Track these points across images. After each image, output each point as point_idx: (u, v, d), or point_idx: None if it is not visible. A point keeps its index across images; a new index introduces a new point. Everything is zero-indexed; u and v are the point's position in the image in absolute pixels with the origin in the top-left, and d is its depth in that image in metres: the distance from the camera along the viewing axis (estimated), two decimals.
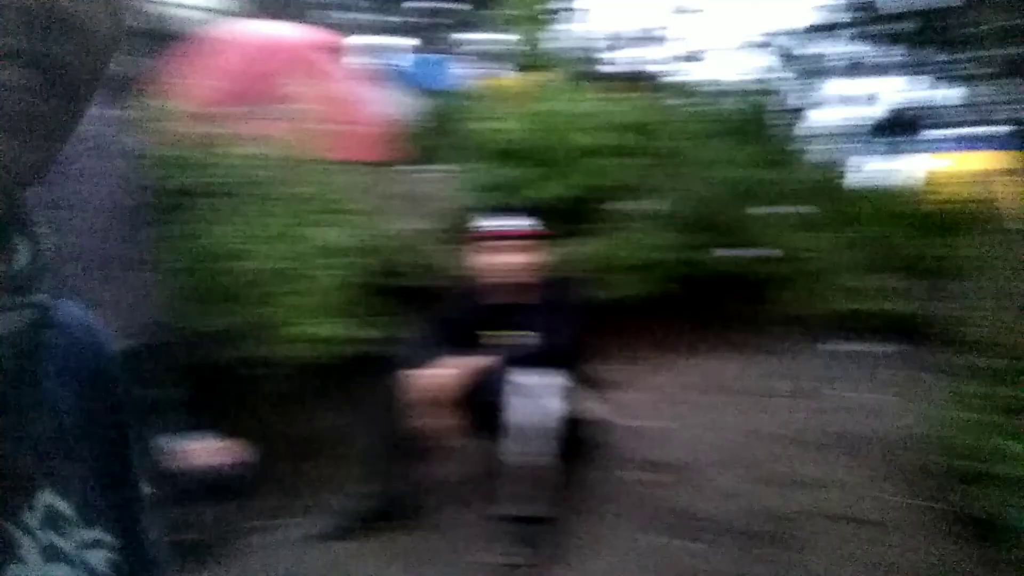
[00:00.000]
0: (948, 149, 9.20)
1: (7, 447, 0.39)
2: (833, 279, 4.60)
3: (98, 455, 0.47)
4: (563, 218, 4.99)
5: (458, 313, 3.13)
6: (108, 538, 0.45)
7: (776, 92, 5.94)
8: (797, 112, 5.59)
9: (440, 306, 3.26)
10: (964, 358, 3.43)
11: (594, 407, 3.09)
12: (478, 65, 9.10)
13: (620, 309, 4.48)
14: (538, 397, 2.72)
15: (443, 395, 2.76)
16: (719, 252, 4.64)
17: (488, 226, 3.14)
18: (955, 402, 2.97)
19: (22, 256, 0.38)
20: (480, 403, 2.77)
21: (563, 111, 4.90)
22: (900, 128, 8.52)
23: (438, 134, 6.58)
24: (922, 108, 9.61)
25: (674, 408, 3.93)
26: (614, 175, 5.07)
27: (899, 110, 9.39)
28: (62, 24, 0.33)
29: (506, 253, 3.06)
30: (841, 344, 4.43)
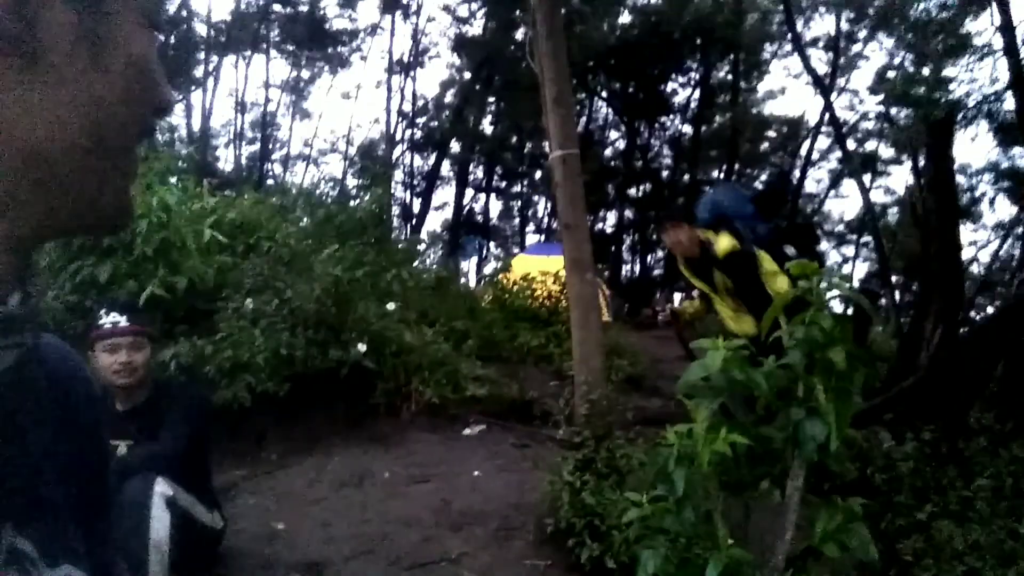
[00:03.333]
0: (531, 252, 10.82)
1: None
2: (446, 369, 5.08)
3: (70, 490, 0.46)
4: (177, 316, 4.60)
5: None
6: (76, 573, 0.44)
7: (387, 196, 6.44)
8: (408, 216, 6.14)
9: None
10: (563, 431, 4.12)
11: (215, 516, 2.91)
12: None
13: (247, 409, 4.29)
14: (147, 509, 2.44)
15: None
16: (338, 348, 4.74)
17: (99, 323, 2.77)
18: (560, 469, 3.50)
19: (12, 298, 0.40)
20: None
21: (172, 206, 4.59)
22: (474, 232, 9.84)
23: None
24: (481, 215, 11.26)
25: (314, 505, 3.86)
26: (228, 273, 4.90)
27: (467, 216, 10.87)
28: None
29: (115, 352, 2.73)
30: (463, 428, 4.88)
